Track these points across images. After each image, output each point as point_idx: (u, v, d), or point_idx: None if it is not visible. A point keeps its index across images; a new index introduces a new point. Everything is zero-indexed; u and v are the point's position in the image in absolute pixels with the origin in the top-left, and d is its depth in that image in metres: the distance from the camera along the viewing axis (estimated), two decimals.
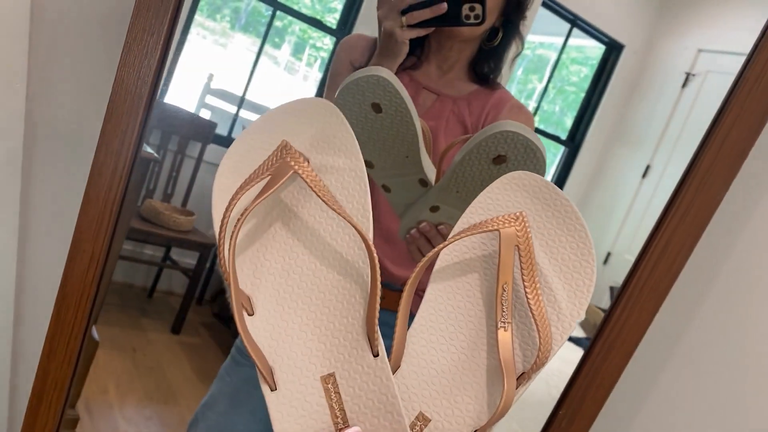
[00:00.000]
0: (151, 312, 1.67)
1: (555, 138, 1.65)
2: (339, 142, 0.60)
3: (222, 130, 1.55)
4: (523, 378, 0.58)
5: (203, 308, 1.70)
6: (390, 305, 1.04)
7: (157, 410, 1.51)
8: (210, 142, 1.52)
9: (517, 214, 0.59)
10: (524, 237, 0.58)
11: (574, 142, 1.63)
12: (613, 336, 0.82)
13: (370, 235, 0.57)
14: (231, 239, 0.55)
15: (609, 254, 1.62)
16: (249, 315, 0.59)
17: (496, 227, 0.58)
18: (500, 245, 0.58)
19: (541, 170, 0.70)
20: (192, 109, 1.58)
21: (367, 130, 0.75)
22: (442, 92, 0.99)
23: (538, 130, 1.63)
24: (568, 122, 1.66)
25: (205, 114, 1.61)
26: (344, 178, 0.59)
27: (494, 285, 0.60)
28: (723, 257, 0.91)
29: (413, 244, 0.83)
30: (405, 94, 0.73)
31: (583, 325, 1.43)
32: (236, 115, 1.57)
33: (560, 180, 1.63)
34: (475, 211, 0.62)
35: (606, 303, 1.45)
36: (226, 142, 1.55)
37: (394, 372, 0.60)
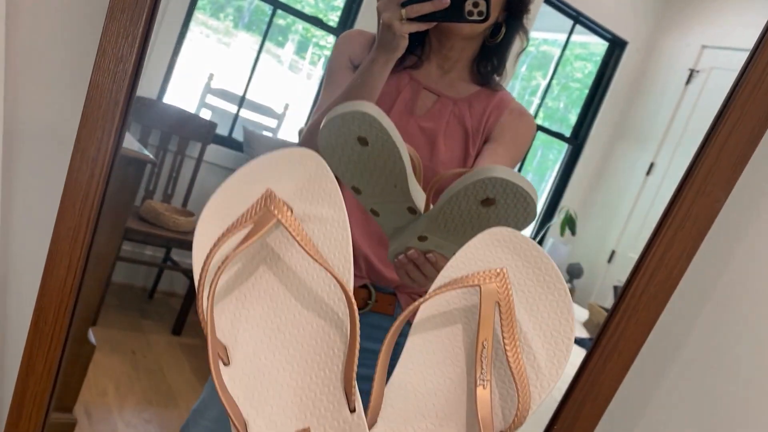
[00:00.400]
0: (152, 313, 1.67)
1: (559, 135, 1.64)
2: (323, 191, 0.60)
3: (222, 130, 1.55)
4: None
5: None
6: (381, 308, 1.03)
7: (156, 413, 1.51)
8: (210, 142, 1.52)
9: (498, 270, 0.58)
10: (505, 294, 0.57)
11: (578, 139, 1.62)
12: (610, 347, 0.80)
13: (350, 287, 0.56)
14: (210, 287, 0.55)
15: (613, 252, 1.61)
16: (225, 365, 0.58)
17: (477, 283, 0.58)
18: (481, 301, 0.57)
19: (531, 213, 0.69)
20: (192, 109, 1.58)
21: (353, 161, 0.74)
22: (442, 93, 0.97)
23: (541, 128, 1.62)
24: (573, 118, 1.64)
25: (206, 114, 1.61)
26: (327, 227, 0.59)
27: (474, 340, 0.59)
28: (725, 263, 0.89)
29: (402, 269, 0.82)
30: (391, 128, 0.71)
31: (586, 324, 1.42)
32: (237, 114, 1.56)
33: (564, 178, 1.62)
34: (456, 266, 0.61)
35: (610, 302, 1.44)
36: (226, 142, 1.55)
37: (370, 428, 0.58)
